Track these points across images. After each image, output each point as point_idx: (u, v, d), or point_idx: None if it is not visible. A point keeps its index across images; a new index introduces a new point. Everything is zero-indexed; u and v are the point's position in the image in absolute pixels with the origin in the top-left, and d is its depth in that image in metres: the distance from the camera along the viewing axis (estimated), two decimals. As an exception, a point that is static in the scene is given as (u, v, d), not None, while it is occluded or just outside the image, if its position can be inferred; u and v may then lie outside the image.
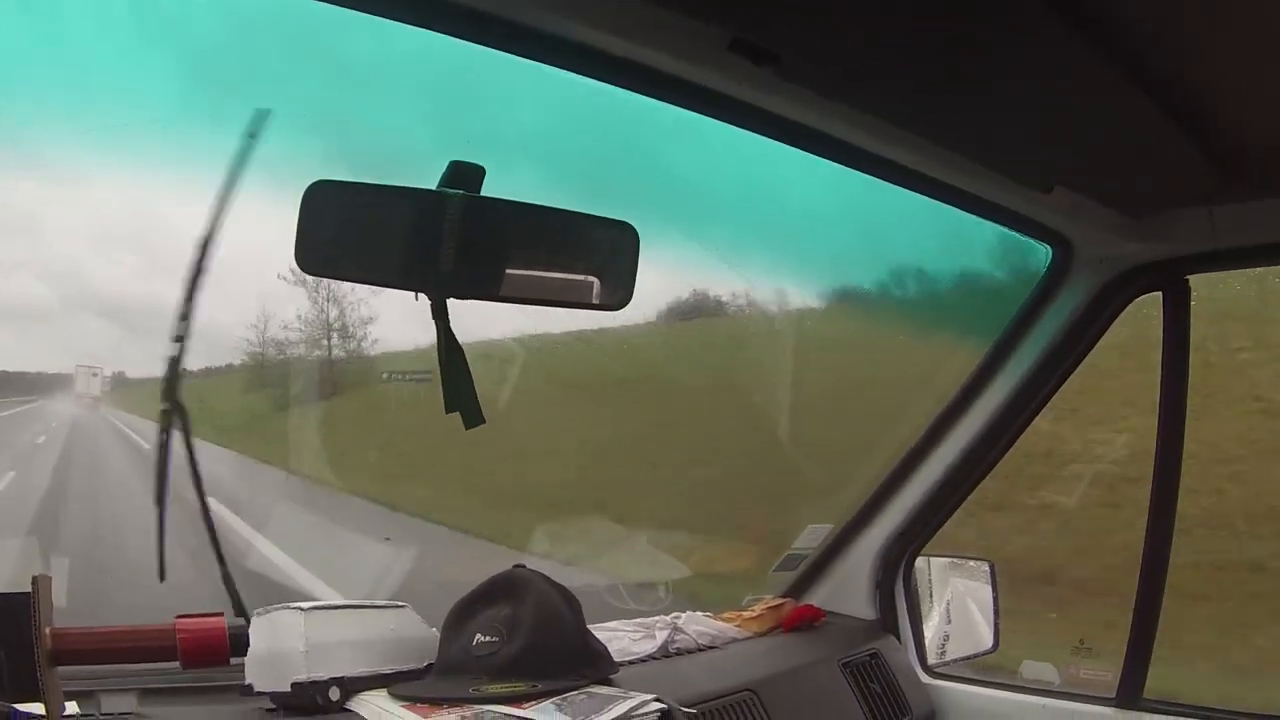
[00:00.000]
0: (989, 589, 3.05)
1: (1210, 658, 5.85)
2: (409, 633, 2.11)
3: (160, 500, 2.20)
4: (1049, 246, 2.50)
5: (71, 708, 1.77)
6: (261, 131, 1.76)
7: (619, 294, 1.72)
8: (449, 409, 1.65)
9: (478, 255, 1.56)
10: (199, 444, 2.15)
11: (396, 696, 1.95)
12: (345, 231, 1.52)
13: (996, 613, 3.04)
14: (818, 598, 3.04)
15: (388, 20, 1.44)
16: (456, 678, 2.01)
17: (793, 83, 1.62)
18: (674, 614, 2.69)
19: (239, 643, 1.93)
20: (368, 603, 2.10)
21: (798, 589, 3.09)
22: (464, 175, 1.53)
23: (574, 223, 1.68)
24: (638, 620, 2.61)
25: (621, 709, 1.90)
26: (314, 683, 1.92)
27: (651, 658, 2.48)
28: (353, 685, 1.96)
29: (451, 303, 1.58)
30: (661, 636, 2.54)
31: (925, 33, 1.51)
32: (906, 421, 2.96)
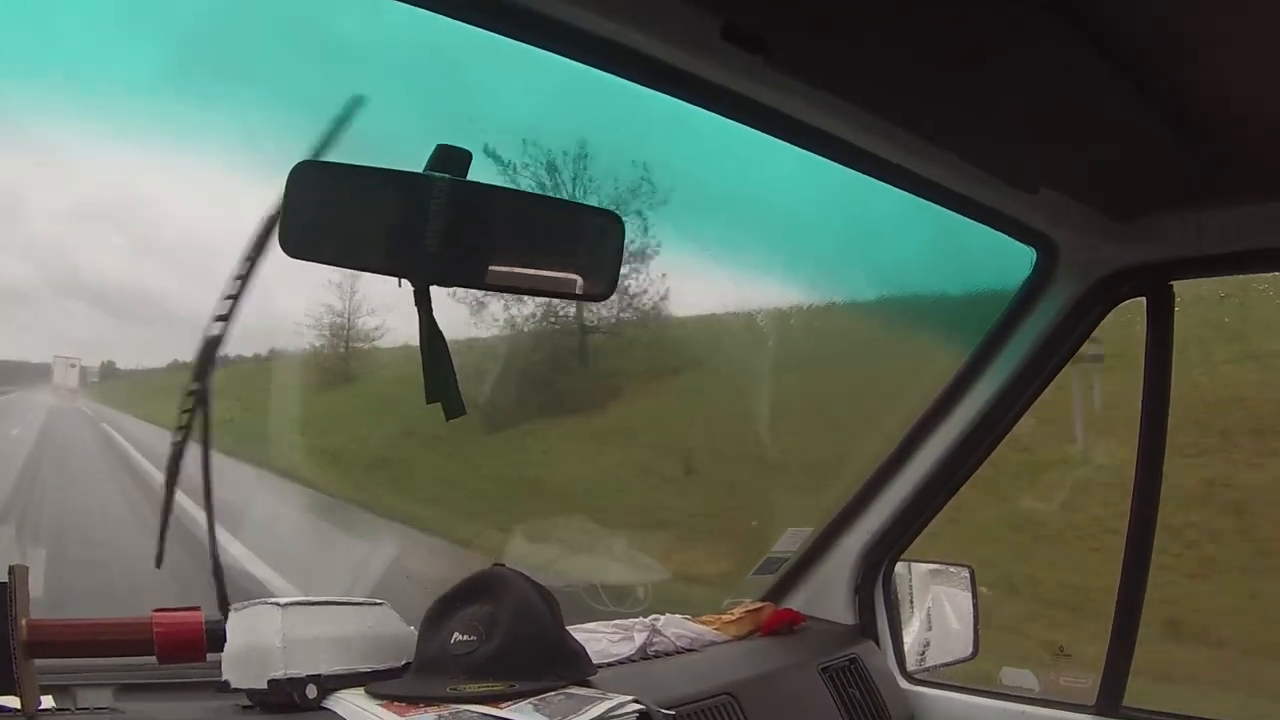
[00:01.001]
0: (969, 594, 3.06)
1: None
2: (387, 630, 2.09)
3: (170, 486, 2.20)
4: (1034, 248, 2.51)
5: (47, 702, 1.75)
6: (351, 118, 1.75)
7: (603, 284, 1.70)
8: (430, 399, 1.64)
9: (463, 241, 1.54)
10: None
11: (374, 695, 1.93)
12: (330, 214, 1.50)
13: (976, 619, 3.04)
14: (797, 602, 3.03)
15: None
16: (434, 677, 1.99)
17: (784, 73, 1.61)
18: (652, 616, 2.68)
19: (216, 638, 1.91)
20: (346, 599, 2.08)
21: (777, 593, 3.07)
22: (451, 159, 1.51)
23: (559, 210, 1.68)
24: (616, 622, 2.60)
25: (599, 710, 1.89)
26: (291, 680, 1.89)
27: (630, 660, 2.46)
28: (330, 683, 1.94)
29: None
30: (640, 639, 2.52)
31: (916, 29, 1.51)
32: (888, 424, 2.96)
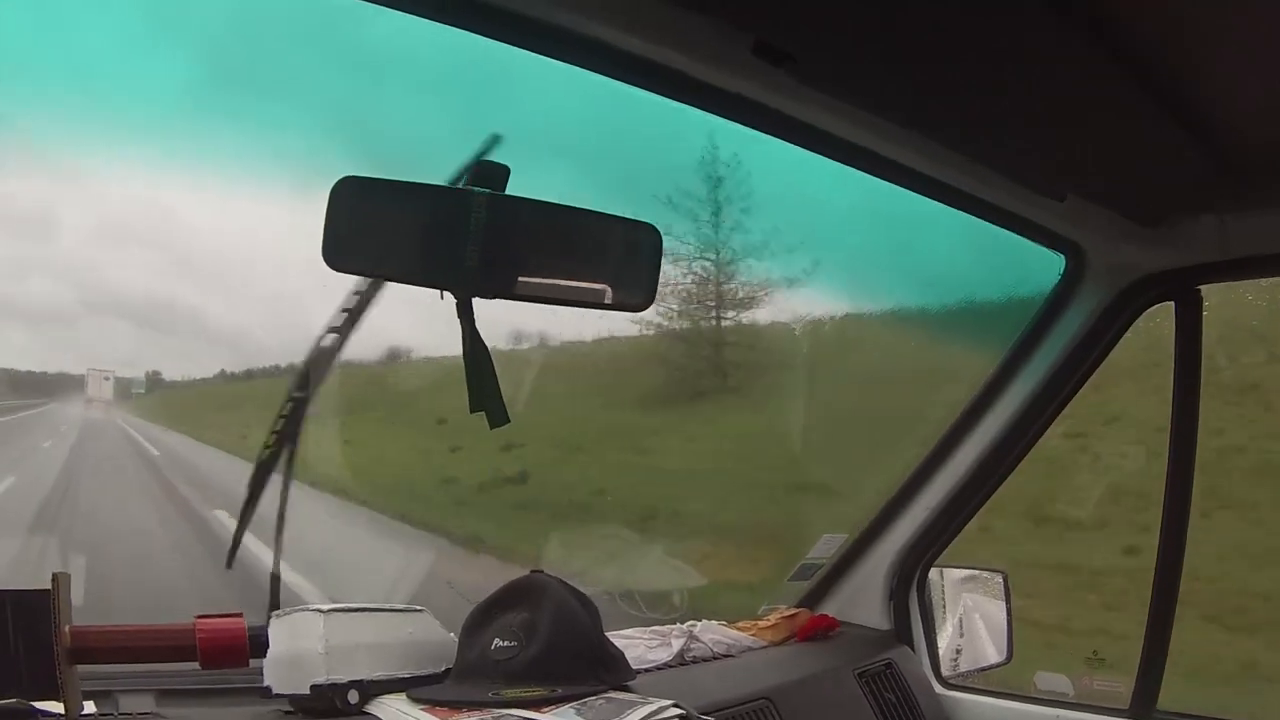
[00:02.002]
0: (1003, 600, 3.06)
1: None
2: (427, 637, 2.11)
3: (257, 489, 2.27)
4: (1062, 255, 2.52)
5: (89, 707, 1.77)
6: (491, 151, 1.78)
7: (642, 295, 1.72)
8: (474, 408, 1.66)
9: (503, 254, 1.56)
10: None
11: (416, 700, 1.94)
12: (372, 228, 1.53)
13: (1010, 624, 3.05)
14: (832, 607, 3.05)
15: (409, 15, 1.47)
16: (475, 681, 2.01)
17: (813, 87, 1.64)
18: (690, 622, 2.70)
19: (258, 644, 1.94)
20: (386, 606, 2.11)
21: (812, 599, 3.09)
22: (489, 174, 1.55)
23: (598, 223, 1.69)
24: (654, 628, 2.63)
25: (640, 714, 1.90)
26: (333, 685, 1.92)
27: (667, 665, 2.49)
28: (371, 689, 1.96)
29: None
30: (677, 645, 2.54)
31: (941, 41, 1.53)
32: (921, 431, 2.97)
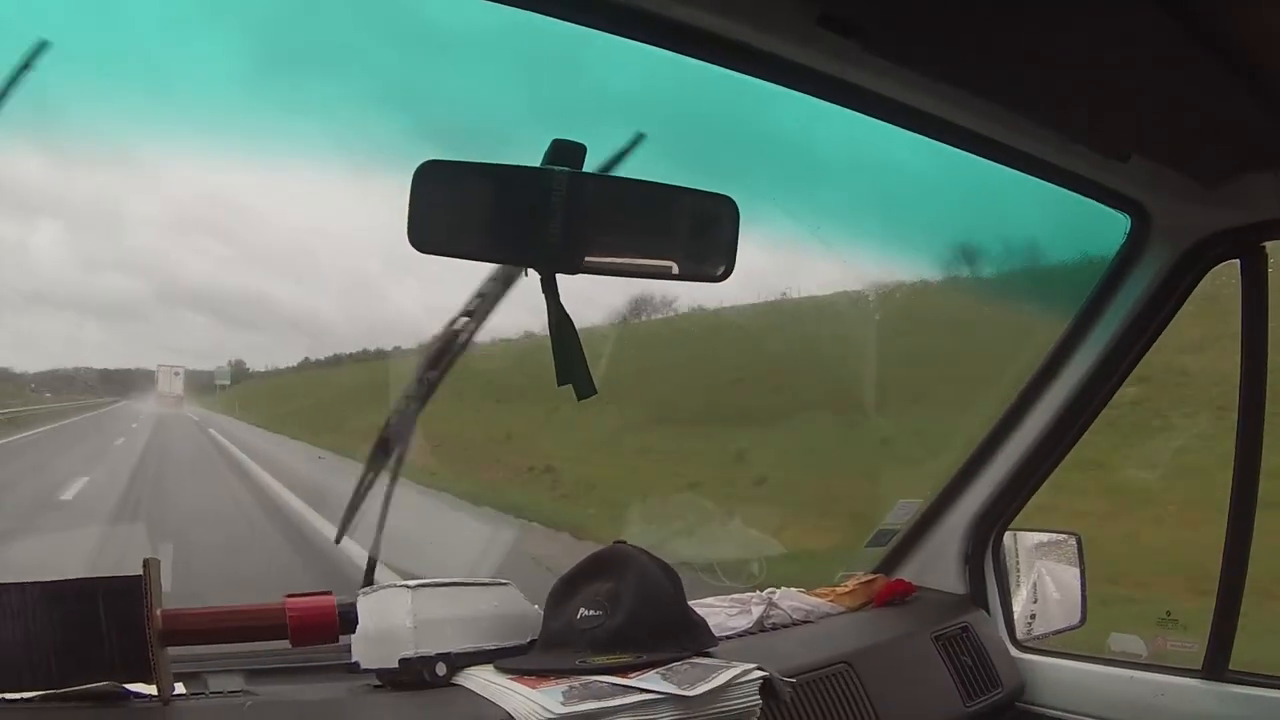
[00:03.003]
0: (1076, 563, 3.08)
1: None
2: (512, 609, 2.14)
3: (377, 463, 2.32)
4: (1127, 216, 2.52)
5: (179, 689, 1.81)
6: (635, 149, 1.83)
7: (721, 266, 1.75)
8: (561, 381, 1.70)
9: (583, 230, 1.60)
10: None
11: (502, 670, 1.97)
12: (455, 210, 1.57)
13: (1084, 587, 3.06)
14: (908, 572, 3.07)
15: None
16: (561, 650, 2.04)
17: (877, 55, 1.66)
18: (769, 590, 2.73)
19: (348, 620, 1.97)
20: (472, 580, 2.14)
21: (889, 564, 3.12)
22: (566, 153, 1.58)
23: (674, 196, 1.71)
24: (733, 596, 2.66)
25: (725, 677, 1.92)
26: (422, 658, 1.96)
27: (748, 632, 2.52)
28: (459, 661, 1.99)
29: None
30: (757, 612, 2.57)
31: (1004, 4, 1.54)
32: (992, 396, 2.98)
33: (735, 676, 1.94)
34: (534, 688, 1.87)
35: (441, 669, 1.98)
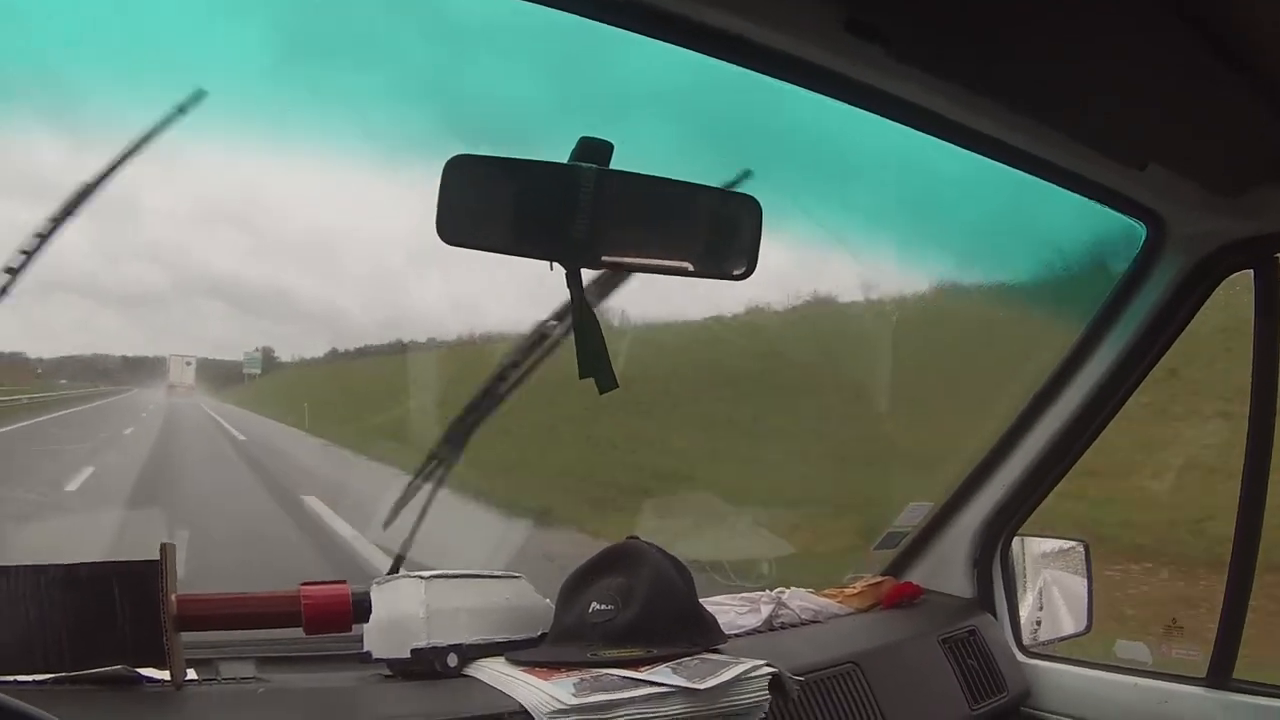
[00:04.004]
0: (1084, 570, 3.09)
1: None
2: (524, 602, 2.16)
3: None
4: (1143, 224, 2.52)
5: (191, 674, 1.83)
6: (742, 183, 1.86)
7: (744, 265, 1.77)
8: (583, 374, 1.72)
9: (610, 226, 1.62)
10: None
11: (514, 661, 1.99)
12: (483, 204, 1.59)
13: (1091, 593, 3.07)
14: (917, 575, 3.09)
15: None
16: (572, 644, 2.05)
17: (902, 61, 1.67)
18: (778, 590, 2.75)
19: (361, 609, 2.00)
20: (484, 572, 2.15)
21: (898, 566, 3.14)
22: (594, 150, 1.60)
23: (699, 195, 1.74)
24: (743, 595, 2.67)
25: (734, 672, 1.93)
26: (434, 649, 1.97)
27: (757, 631, 2.53)
28: (470, 652, 2.01)
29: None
30: (766, 611, 2.58)
31: (1026, 12, 1.55)
32: (1005, 401, 2.98)
33: (745, 672, 1.96)
34: (545, 679, 1.89)
35: (453, 660, 1.99)
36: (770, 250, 1.75)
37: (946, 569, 3.07)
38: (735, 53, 1.67)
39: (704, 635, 2.15)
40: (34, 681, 1.69)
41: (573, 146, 1.62)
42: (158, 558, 1.79)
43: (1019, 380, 2.97)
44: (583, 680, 1.89)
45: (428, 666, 1.97)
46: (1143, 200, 2.41)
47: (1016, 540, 3.06)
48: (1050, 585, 3.10)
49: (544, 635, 2.14)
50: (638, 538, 2.24)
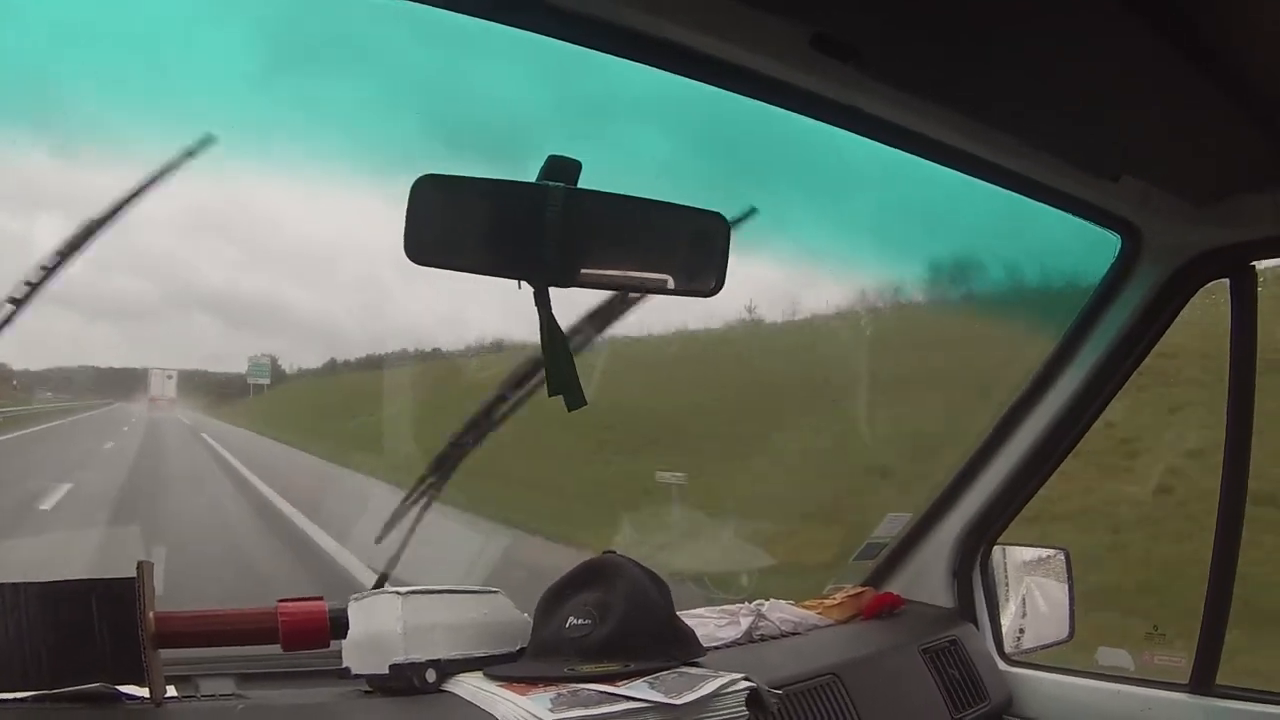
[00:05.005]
0: (1065, 577, 3.09)
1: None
2: (501, 617, 2.15)
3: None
4: (1118, 235, 2.54)
5: (170, 691, 1.82)
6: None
7: (711, 282, 1.78)
8: (552, 392, 1.72)
9: (577, 245, 1.62)
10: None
11: (492, 677, 1.99)
12: (451, 223, 1.59)
13: (1072, 601, 3.07)
14: (897, 585, 3.09)
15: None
16: (550, 658, 2.05)
17: (869, 77, 1.67)
18: (757, 601, 2.75)
19: (339, 626, 1.99)
20: (461, 588, 2.15)
21: (878, 577, 3.14)
22: (562, 169, 1.60)
23: (666, 213, 1.74)
24: (722, 607, 2.68)
25: (711, 687, 1.93)
26: (412, 664, 1.97)
27: (736, 643, 2.53)
28: (448, 668, 2.01)
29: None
30: (746, 623, 2.59)
31: (996, 25, 1.56)
32: (982, 412, 2.99)
33: (722, 686, 1.95)
34: (523, 695, 1.88)
35: (431, 675, 1.99)
36: (739, 267, 1.76)
37: (927, 579, 3.08)
38: (704, 70, 1.68)
39: (682, 649, 2.14)
40: (14, 700, 1.69)
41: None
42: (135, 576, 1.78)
43: (996, 392, 2.99)
44: (560, 695, 1.89)
45: (406, 682, 1.97)
46: (1117, 211, 2.43)
47: (997, 549, 3.07)
48: (1032, 593, 3.10)
49: (522, 650, 2.13)
50: (615, 552, 2.24)
